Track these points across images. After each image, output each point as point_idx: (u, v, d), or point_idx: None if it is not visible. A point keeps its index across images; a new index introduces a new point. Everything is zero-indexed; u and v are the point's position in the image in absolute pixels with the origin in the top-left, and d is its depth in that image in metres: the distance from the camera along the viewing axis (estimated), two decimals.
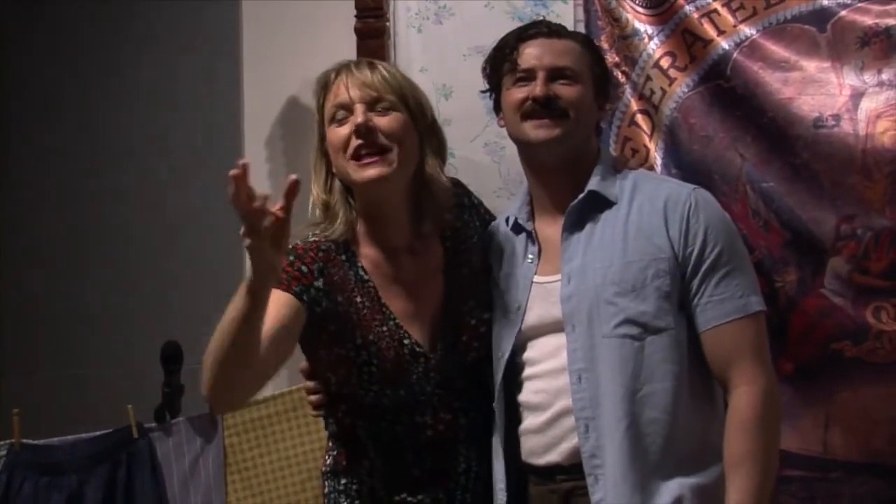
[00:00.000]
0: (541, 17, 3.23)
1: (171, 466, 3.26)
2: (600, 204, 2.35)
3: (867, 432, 3.01)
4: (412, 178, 2.38)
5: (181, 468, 3.27)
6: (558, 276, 2.33)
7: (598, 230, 2.34)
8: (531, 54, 2.38)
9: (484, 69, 2.47)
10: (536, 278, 2.37)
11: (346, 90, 2.34)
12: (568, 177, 2.38)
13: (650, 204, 2.33)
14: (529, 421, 2.34)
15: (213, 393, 2.15)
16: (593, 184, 2.36)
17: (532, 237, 2.41)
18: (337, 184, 2.38)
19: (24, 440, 3.25)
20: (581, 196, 2.35)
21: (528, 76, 2.37)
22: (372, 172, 2.30)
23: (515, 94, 2.38)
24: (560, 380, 2.30)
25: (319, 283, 2.32)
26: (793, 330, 3.04)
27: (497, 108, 2.46)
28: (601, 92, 2.44)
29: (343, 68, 2.38)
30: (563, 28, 2.47)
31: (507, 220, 2.47)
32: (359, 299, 2.34)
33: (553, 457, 2.31)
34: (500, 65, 2.42)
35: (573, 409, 2.27)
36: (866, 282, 3.01)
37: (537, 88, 2.35)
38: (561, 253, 2.35)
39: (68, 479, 3.23)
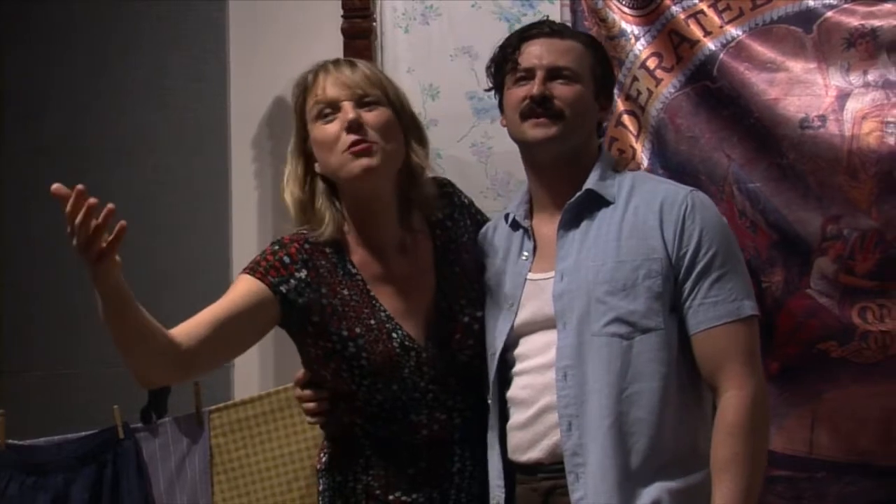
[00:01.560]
0: (527, 18, 3.24)
1: (158, 467, 3.26)
2: (597, 203, 2.36)
3: (853, 432, 3.01)
4: (399, 172, 2.39)
5: (167, 468, 3.27)
6: (552, 274, 2.34)
7: (594, 229, 2.34)
8: (531, 53, 2.39)
9: (488, 68, 2.48)
10: (530, 275, 2.38)
11: (331, 88, 2.34)
12: (567, 176, 2.38)
13: (646, 204, 2.33)
14: (515, 417, 2.34)
15: (134, 374, 2.22)
16: (591, 182, 2.36)
17: (528, 234, 2.41)
18: (319, 185, 2.38)
19: (10, 440, 3.25)
20: (578, 194, 2.36)
21: (528, 75, 2.38)
22: (364, 161, 2.30)
23: (516, 93, 2.39)
24: (546, 376, 2.30)
25: (302, 274, 2.33)
26: (779, 330, 3.04)
27: (502, 107, 2.46)
28: (603, 92, 2.43)
29: (322, 69, 2.38)
30: (566, 28, 2.48)
31: (506, 218, 2.47)
32: (346, 292, 2.34)
33: (535, 454, 2.31)
34: (503, 64, 2.43)
35: (557, 406, 2.27)
36: (852, 282, 3.01)
37: (534, 87, 2.35)
38: (556, 250, 2.35)
39: (54, 479, 3.23)
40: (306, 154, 2.39)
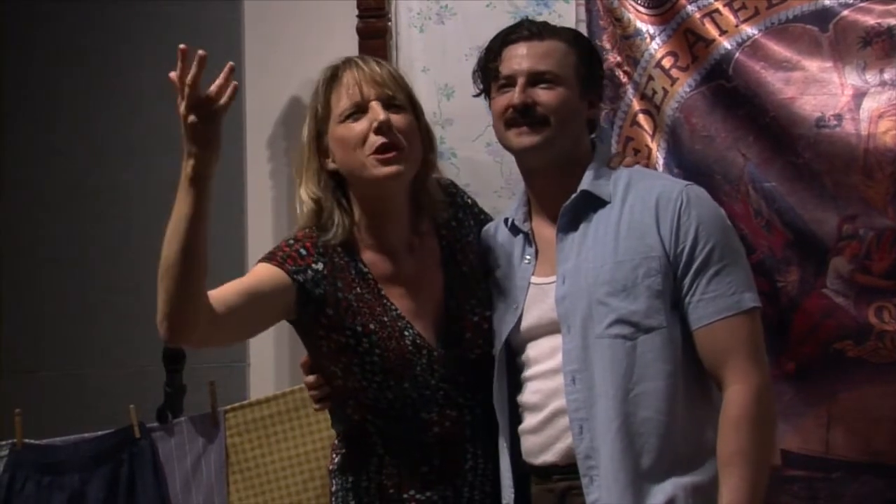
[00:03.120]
0: (542, 17, 3.23)
1: (173, 466, 3.26)
2: (594, 203, 2.34)
3: (869, 432, 3.01)
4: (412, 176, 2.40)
5: (183, 468, 3.27)
6: (554, 277, 2.33)
7: (592, 230, 2.33)
8: (512, 59, 2.36)
9: (474, 73, 2.46)
10: (534, 279, 2.37)
11: (360, 86, 2.34)
12: (560, 178, 2.36)
13: (642, 202, 2.31)
14: (527, 421, 2.35)
15: (166, 322, 2.16)
16: (586, 183, 2.34)
17: (529, 238, 2.40)
18: (329, 183, 2.38)
19: (27, 440, 3.25)
20: (574, 196, 2.34)
21: (509, 82, 2.35)
22: (392, 169, 2.30)
23: (499, 101, 2.37)
24: (555, 380, 2.30)
25: (319, 266, 2.33)
26: (794, 330, 3.04)
27: None
28: (590, 90, 2.40)
29: (351, 63, 2.37)
30: (547, 27, 2.41)
31: (505, 222, 2.47)
32: (359, 289, 2.35)
33: (549, 457, 2.31)
34: (486, 71, 2.41)
35: (567, 409, 2.27)
36: (868, 282, 3.01)
37: (515, 96, 2.33)
38: (556, 254, 2.35)
39: (70, 478, 3.24)
40: (320, 150, 2.39)
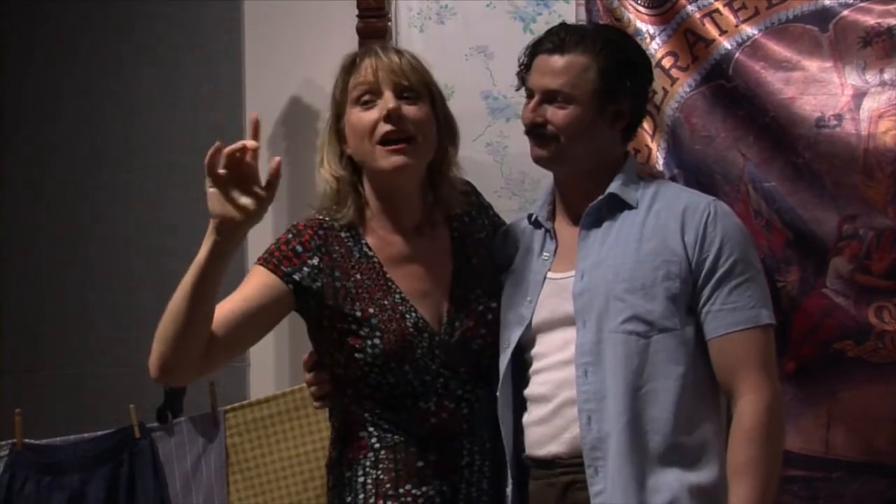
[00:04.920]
0: (542, 17, 3.23)
1: (173, 466, 3.27)
2: (620, 206, 2.38)
3: (869, 432, 3.01)
4: (428, 166, 2.42)
5: (183, 468, 3.27)
6: (572, 273, 2.36)
7: (615, 230, 2.36)
8: (535, 72, 2.41)
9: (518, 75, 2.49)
10: (550, 274, 2.40)
11: (375, 73, 2.36)
12: (586, 184, 2.40)
13: (668, 209, 2.35)
14: (534, 413, 2.36)
15: (161, 364, 2.21)
16: (614, 188, 2.38)
17: (550, 235, 2.44)
18: (348, 166, 2.41)
19: (27, 440, 3.26)
20: (601, 198, 2.38)
21: (529, 96, 2.42)
22: (398, 160, 2.34)
23: (523, 112, 2.42)
24: (565, 371, 2.32)
25: (315, 261, 2.35)
26: (795, 330, 3.04)
27: None
28: (614, 102, 2.38)
29: (371, 52, 2.41)
30: (573, 37, 2.40)
31: (529, 218, 2.50)
32: (359, 276, 2.37)
33: (554, 447, 2.32)
34: (520, 77, 2.46)
35: (577, 400, 2.29)
36: (868, 281, 3.01)
37: (527, 113, 2.39)
38: (577, 250, 2.37)
39: (70, 478, 3.24)
40: (339, 133, 2.42)
